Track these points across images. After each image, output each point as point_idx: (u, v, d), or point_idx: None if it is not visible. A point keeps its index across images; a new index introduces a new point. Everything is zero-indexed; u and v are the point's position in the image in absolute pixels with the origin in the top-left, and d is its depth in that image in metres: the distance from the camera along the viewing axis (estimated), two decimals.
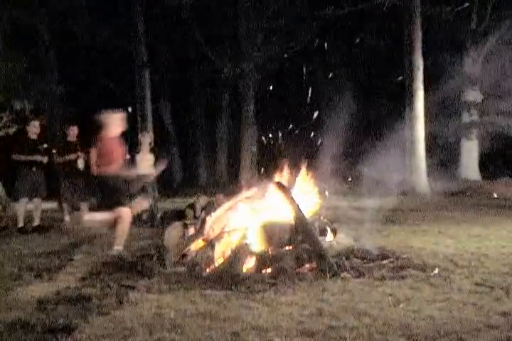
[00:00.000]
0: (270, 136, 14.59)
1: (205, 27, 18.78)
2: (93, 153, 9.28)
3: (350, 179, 13.38)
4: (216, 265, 5.17)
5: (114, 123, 6.43)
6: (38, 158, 8.82)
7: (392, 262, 5.43)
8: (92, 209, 9.82)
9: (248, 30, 18.31)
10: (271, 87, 17.08)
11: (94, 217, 6.72)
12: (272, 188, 5.82)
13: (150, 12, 18.75)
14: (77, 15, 16.93)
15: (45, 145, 9.14)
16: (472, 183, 17.18)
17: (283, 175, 6.14)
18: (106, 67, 19.41)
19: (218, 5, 18.24)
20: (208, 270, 5.13)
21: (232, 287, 4.51)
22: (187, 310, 3.89)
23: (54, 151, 9.37)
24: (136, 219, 9.74)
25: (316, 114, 12.10)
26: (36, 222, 8.96)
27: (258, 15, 18.02)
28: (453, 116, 17.28)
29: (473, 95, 18.62)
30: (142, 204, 7.15)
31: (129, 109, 18.84)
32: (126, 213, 6.14)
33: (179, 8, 17.84)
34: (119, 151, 6.36)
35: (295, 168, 6.32)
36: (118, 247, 6.06)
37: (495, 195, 12.07)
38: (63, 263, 5.77)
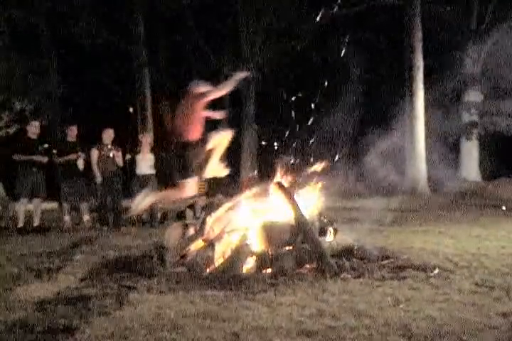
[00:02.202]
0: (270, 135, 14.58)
1: (205, 27, 18.78)
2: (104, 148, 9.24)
3: (351, 178, 13.37)
4: (216, 265, 5.17)
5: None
6: (38, 158, 8.83)
7: (392, 262, 5.43)
8: (93, 209, 9.86)
9: (248, 30, 18.30)
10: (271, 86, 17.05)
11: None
12: (272, 188, 5.82)
13: (150, 12, 18.77)
14: (78, 15, 16.95)
15: (45, 145, 9.15)
16: (472, 183, 17.18)
17: (283, 176, 6.12)
18: (106, 67, 19.40)
19: (218, 5, 18.23)
20: (208, 270, 5.12)
21: (232, 287, 4.50)
22: (187, 310, 3.88)
23: (54, 151, 9.37)
24: (136, 220, 9.79)
25: (312, 116, 12.08)
26: (36, 222, 8.96)
27: (258, 15, 18.02)
28: (453, 116, 17.29)
29: (473, 95, 18.62)
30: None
31: (130, 109, 18.94)
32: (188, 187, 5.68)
33: (179, 8, 17.85)
34: (201, 117, 5.69)
35: (294, 168, 6.31)
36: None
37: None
38: (63, 263, 5.76)
